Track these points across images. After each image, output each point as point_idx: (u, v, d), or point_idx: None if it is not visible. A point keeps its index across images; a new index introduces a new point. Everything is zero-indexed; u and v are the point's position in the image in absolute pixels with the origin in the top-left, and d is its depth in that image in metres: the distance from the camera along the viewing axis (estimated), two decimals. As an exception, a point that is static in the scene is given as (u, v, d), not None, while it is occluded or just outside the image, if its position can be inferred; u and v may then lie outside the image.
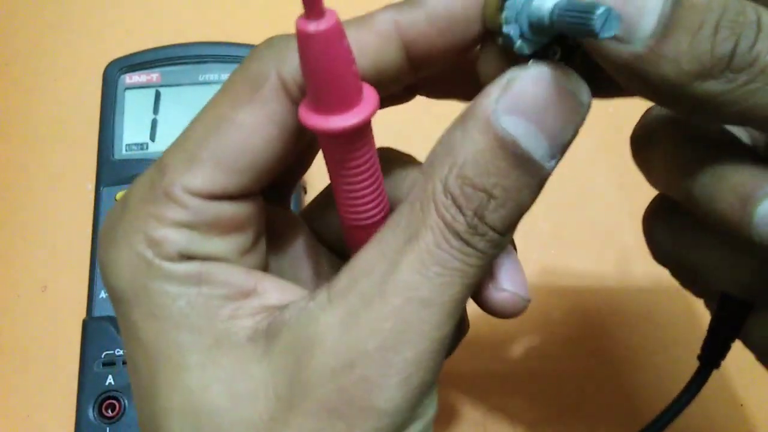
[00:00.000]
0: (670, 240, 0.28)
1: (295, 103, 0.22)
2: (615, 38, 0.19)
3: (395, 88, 0.24)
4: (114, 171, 0.46)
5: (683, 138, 0.25)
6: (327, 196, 0.29)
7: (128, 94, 0.48)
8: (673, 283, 0.29)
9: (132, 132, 0.47)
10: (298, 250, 0.27)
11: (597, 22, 0.17)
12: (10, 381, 0.45)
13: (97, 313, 0.43)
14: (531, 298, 0.25)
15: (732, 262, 0.26)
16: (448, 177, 0.20)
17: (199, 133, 0.22)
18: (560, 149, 0.21)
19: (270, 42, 0.23)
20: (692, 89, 0.19)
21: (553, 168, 0.21)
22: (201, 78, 0.48)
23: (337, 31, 0.20)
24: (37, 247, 0.49)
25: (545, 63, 0.20)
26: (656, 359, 0.44)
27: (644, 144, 0.28)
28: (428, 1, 0.22)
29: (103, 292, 0.43)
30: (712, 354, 0.29)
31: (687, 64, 0.19)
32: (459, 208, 0.20)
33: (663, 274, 0.29)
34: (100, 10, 0.56)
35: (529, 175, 0.20)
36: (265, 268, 0.25)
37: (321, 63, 0.20)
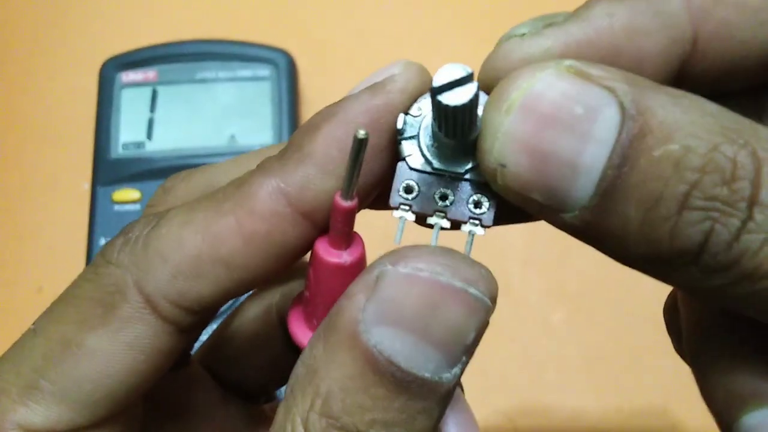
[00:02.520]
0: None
1: (168, 319, 0.18)
2: (540, 204, 0.15)
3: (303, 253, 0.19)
4: (110, 170, 0.45)
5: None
6: (221, 335, 0.25)
7: (125, 92, 0.47)
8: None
9: (128, 130, 0.47)
10: (203, 413, 0.23)
11: (435, 77, 0.15)
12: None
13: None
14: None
15: None
16: (310, 415, 0.15)
17: (38, 356, 0.18)
18: (462, 354, 0.15)
19: (127, 238, 0.18)
20: (666, 272, 0.14)
21: (456, 377, 0.15)
22: (198, 76, 0.47)
23: (359, 264, 0.17)
24: (33, 247, 0.48)
25: (424, 250, 0.16)
26: (663, 362, 0.44)
27: (677, 322, 0.22)
28: (314, 149, 0.17)
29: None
30: None
31: (635, 247, 0.14)
32: None
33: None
34: (96, 8, 0.56)
35: (421, 399, 0.15)
36: None
37: (323, 288, 0.17)
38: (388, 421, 0.15)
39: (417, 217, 0.17)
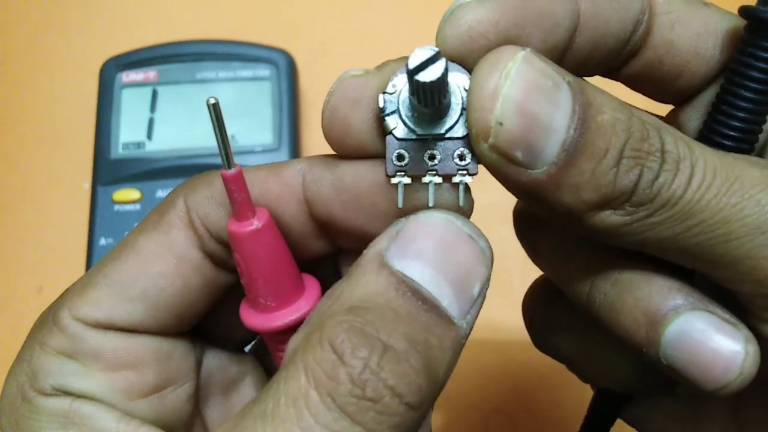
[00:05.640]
0: (550, 331, 0.26)
1: (197, 234, 0.21)
2: (515, 162, 0.17)
3: (312, 251, 0.22)
4: (111, 170, 0.45)
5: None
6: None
7: (125, 92, 0.47)
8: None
9: (129, 131, 0.47)
10: (246, 400, 0.24)
11: (410, 60, 0.17)
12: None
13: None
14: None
15: (614, 360, 0.23)
16: (328, 326, 0.16)
17: (104, 259, 0.21)
18: (469, 304, 0.17)
19: (188, 179, 0.22)
20: (589, 218, 0.18)
21: (465, 331, 0.17)
22: (198, 76, 0.47)
23: (271, 226, 0.19)
24: (33, 247, 0.48)
25: (438, 210, 0.18)
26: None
27: (530, 223, 0.24)
28: (338, 166, 0.20)
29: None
30: None
31: (587, 194, 0.17)
32: (340, 356, 0.15)
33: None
34: (96, 8, 0.56)
35: (440, 327, 0.16)
36: (171, 418, 0.22)
37: (252, 262, 0.19)
38: (408, 335, 0.16)
39: (413, 179, 0.19)
